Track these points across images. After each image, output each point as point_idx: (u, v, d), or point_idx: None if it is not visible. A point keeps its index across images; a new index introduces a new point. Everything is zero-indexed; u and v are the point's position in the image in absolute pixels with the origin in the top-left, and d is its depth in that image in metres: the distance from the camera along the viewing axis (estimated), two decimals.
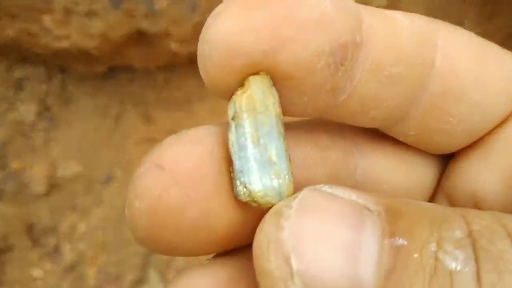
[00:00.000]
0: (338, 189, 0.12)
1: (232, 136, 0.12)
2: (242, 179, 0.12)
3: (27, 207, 0.71)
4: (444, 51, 0.15)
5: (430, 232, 0.11)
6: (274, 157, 0.12)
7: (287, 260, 0.11)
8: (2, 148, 0.71)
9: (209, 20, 0.13)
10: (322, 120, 0.16)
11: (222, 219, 0.13)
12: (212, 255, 0.14)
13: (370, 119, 0.15)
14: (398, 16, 0.15)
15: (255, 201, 0.12)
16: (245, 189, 0.12)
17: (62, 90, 0.74)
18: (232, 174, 0.12)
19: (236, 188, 0.12)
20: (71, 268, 0.71)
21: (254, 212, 0.12)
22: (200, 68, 0.13)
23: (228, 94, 0.13)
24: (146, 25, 0.65)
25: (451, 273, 0.10)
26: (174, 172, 0.12)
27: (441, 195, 0.17)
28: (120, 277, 0.70)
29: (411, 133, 0.16)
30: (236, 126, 0.13)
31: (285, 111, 0.14)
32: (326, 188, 0.12)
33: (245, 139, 0.12)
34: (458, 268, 0.10)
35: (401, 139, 0.16)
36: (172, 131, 0.64)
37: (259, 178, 0.12)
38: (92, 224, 0.72)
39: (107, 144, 0.75)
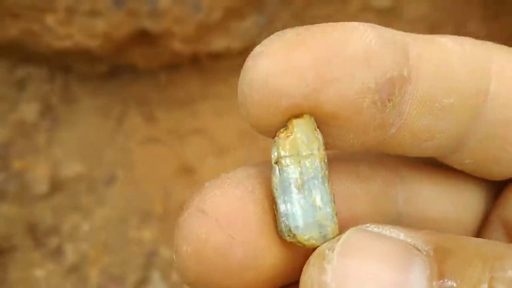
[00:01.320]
0: (385, 228, 0.12)
1: (275, 180, 0.13)
2: (286, 222, 0.12)
3: (29, 207, 0.71)
4: (498, 77, 0.15)
5: (482, 272, 0.10)
6: (318, 202, 0.12)
7: None
8: (4, 148, 0.71)
9: (249, 61, 0.13)
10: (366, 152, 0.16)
11: (268, 258, 0.13)
12: None
13: (423, 151, 0.15)
14: (448, 42, 0.15)
15: (299, 242, 0.12)
16: (290, 231, 0.12)
17: (64, 90, 0.74)
18: (276, 214, 0.13)
19: (281, 229, 0.12)
20: (74, 268, 0.71)
21: (300, 251, 0.13)
22: (241, 108, 0.13)
23: (271, 134, 0.13)
24: (149, 24, 0.65)
25: None
26: (217, 215, 0.12)
27: (497, 224, 0.17)
28: (123, 278, 0.70)
29: (467, 161, 0.15)
30: (279, 170, 0.13)
31: (332, 146, 0.14)
32: (372, 227, 0.12)
33: (289, 184, 0.12)
34: None
35: (455, 167, 0.16)
36: (175, 131, 0.64)
37: (304, 223, 0.12)
38: (95, 224, 0.72)
39: (110, 144, 0.75)
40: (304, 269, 0.12)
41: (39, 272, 0.70)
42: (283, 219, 0.12)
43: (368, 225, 0.12)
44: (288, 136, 0.13)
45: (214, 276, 0.12)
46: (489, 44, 0.16)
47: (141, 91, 0.77)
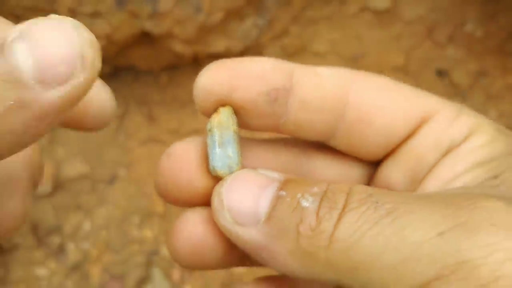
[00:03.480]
0: (266, 171, 0.21)
1: (208, 140, 0.22)
2: (212, 163, 0.21)
3: (31, 207, 0.71)
4: (356, 91, 0.22)
5: (301, 189, 0.19)
6: (230, 153, 0.21)
7: (222, 201, 0.20)
8: None
9: (199, 75, 0.22)
10: (285, 137, 0.25)
11: (201, 183, 0.22)
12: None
13: (307, 134, 0.23)
14: (323, 70, 0.22)
15: (218, 175, 0.21)
16: (213, 169, 0.21)
17: None
18: (208, 159, 0.22)
19: (210, 167, 0.22)
20: (76, 267, 0.71)
21: (217, 180, 0.21)
22: (194, 101, 0.22)
23: (209, 116, 0.22)
24: (150, 25, 0.66)
25: (303, 208, 0.19)
26: (175, 157, 0.22)
27: None
28: (124, 276, 0.71)
29: (341, 145, 0.23)
30: (210, 136, 0.22)
31: (247, 127, 0.23)
32: (259, 170, 0.21)
33: (215, 142, 0.22)
34: (307, 205, 0.19)
35: (338, 149, 0.24)
36: (175, 131, 0.65)
37: (221, 164, 0.21)
38: (96, 224, 0.73)
39: (111, 144, 0.76)
40: (215, 187, 0.21)
41: (41, 271, 0.71)
42: (211, 162, 0.22)
43: (258, 169, 0.21)
44: (216, 117, 0.22)
45: (172, 190, 0.22)
46: (358, 72, 0.23)
47: (142, 91, 0.77)
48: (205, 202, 0.22)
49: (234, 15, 0.71)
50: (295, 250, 0.18)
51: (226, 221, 0.20)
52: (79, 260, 0.71)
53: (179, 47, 0.69)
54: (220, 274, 0.71)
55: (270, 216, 0.19)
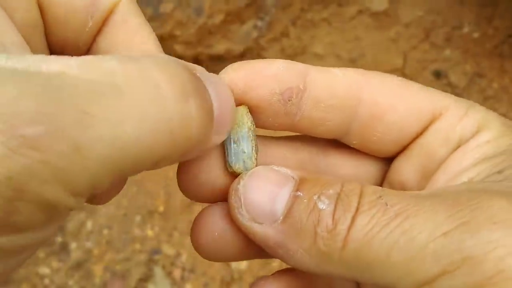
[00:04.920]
0: (280, 167, 0.21)
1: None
2: (229, 160, 0.22)
3: None
4: (368, 89, 0.23)
5: (317, 190, 0.20)
6: (244, 149, 0.22)
7: (239, 198, 0.21)
8: None
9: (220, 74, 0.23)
10: (301, 135, 0.25)
11: (220, 179, 0.23)
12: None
13: (322, 132, 0.24)
14: (337, 71, 0.23)
15: (234, 171, 0.22)
16: (229, 165, 0.22)
17: None
18: (225, 156, 0.23)
19: (227, 165, 0.22)
20: (78, 265, 0.71)
21: (235, 177, 0.22)
22: None
23: None
24: (152, 28, 0.66)
25: (320, 210, 0.19)
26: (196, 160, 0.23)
27: (386, 186, 0.25)
28: (126, 274, 0.71)
29: (355, 142, 0.24)
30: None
31: (262, 126, 0.24)
32: (273, 166, 0.22)
33: (231, 140, 0.22)
34: (324, 207, 0.19)
35: (352, 146, 0.25)
36: None
37: (236, 159, 0.22)
38: (98, 223, 0.73)
39: None
40: (232, 183, 0.22)
41: (43, 270, 0.71)
42: (227, 158, 0.22)
43: (272, 166, 0.22)
44: None
45: (192, 186, 0.23)
46: (370, 72, 0.24)
47: None
48: (225, 197, 0.22)
49: (234, 17, 0.71)
50: (311, 249, 0.19)
51: (244, 218, 0.21)
52: (82, 258, 0.72)
53: (180, 48, 0.69)
54: (220, 274, 0.71)
55: (287, 216, 0.20)
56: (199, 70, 0.20)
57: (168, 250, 0.72)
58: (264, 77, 0.22)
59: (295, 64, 0.23)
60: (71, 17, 0.22)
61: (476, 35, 0.83)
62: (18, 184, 0.14)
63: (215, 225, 0.23)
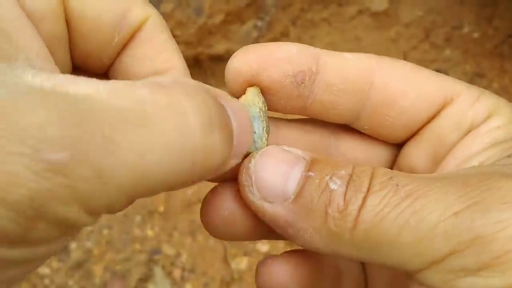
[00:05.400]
0: (290, 148, 0.21)
1: None
2: None
3: None
4: (380, 74, 0.23)
5: (329, 170, 0.20)
6: (255, 130, 0.22)
7: (250, 177, 0.21)
8: None
9: (230, 58, 0.23)
10: (312, 119, 0.25)
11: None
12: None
13: (333, 116, 0.24)
14: (349, 55, 0.23)
15: None
16: None
17: None
18: None
19: None
20: (78, 265, 0.71)
21: (245, 156, 0.21)
22: (225, 81, 0.23)
23: (239, 95, 0.23)
24: None
25: (331, 190, 0.19)
26: None
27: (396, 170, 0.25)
28: (126, 274, 0.71)
29: (366, 127, 0.24)
30: None
31: (274, 109, 0.24)
32: (284, 146, 0.21)
33: None
34: (335, 187, 0.19)
35: (363, 131, 0.25)
36: None
37: None
38: (98, 223, 0.73)
39: None
40: (243, 162, 0.21)
41: (43, 270, 0.71)
42: None
43: (283, 146, 0.21)
44: (243, 96, 0.23)
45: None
46: (382, 57, 0.24)
47: None
48: (234, 177, 0.22)
49: (234, 17, 0.71)
50: (321, 229, 0.19)
51: (254, 197, 0.21)
52: (82, 258, 0.72)
53: (180, 48, 0.69)
54: (220, 274, 0.71)
55: (298, 196, 0.20)
56: (222, 95, 0.20)
57: (168, 250, 0.73)
58: (277, 59, 0.22)
59: (307, 47, 0.23)
60: (98, 32, 0.22)
61: (476, 35, 0.83)
62: (39, 204, 0.15)
63: (225, 203, 0.23)
